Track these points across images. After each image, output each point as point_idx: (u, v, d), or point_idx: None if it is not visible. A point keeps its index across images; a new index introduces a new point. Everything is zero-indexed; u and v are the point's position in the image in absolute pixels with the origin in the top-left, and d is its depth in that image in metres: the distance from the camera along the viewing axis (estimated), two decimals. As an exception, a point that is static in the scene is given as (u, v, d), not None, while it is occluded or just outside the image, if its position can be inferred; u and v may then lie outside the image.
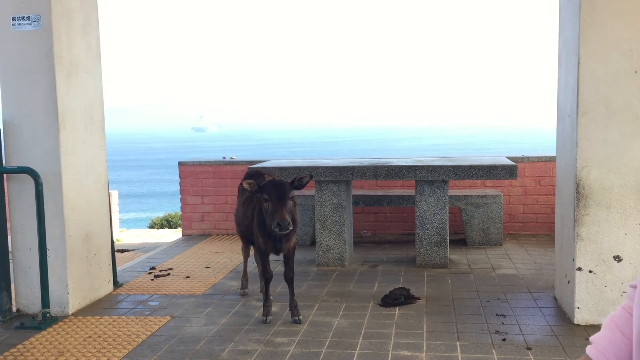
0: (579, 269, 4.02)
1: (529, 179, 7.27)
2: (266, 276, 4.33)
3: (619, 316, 1.08)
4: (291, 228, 3.83)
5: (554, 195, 7.13)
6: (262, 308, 4.37)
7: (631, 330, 1.05)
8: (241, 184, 4.00)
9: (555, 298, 4.64)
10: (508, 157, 6.52)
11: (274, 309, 4.49)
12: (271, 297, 4.43)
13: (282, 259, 4.43)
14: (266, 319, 4.24)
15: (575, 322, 4.05)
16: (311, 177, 4.07)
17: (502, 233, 6.68)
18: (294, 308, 4.24)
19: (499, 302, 4.61)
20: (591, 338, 1.14)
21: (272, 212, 3.85)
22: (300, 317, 4.22)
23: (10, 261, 4.54)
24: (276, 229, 3.79)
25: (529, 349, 3.66)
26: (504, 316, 4.27)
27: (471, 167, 5.61)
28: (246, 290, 4.95)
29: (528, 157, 7.27)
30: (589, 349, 1.12)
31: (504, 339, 3.82)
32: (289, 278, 4.31)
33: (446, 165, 5.64)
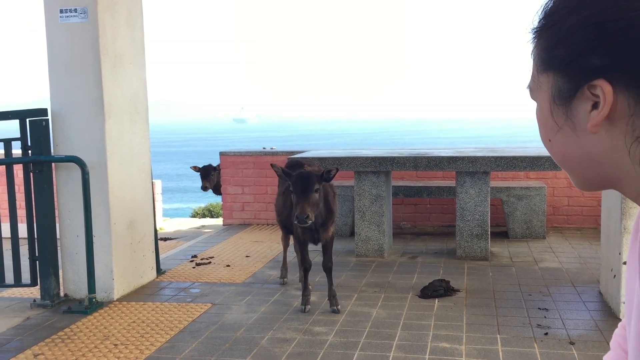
0: (625, 262, 3.91)
1: (574, 170, 7.08)
2: (305, 266, 4.35)
3: (619, 334, 1.06)
4: (310, 222, 3.82)
5: (601, 187, 6.94)
6: (300, 297, 4.40)
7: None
8: (272, 165, 4.07)
9: (600, 292, 4.52)
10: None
11: (312, 298, 4.52)
12: (310, 287, 4.43)
13: (321, 249, 4.44)
14: (305, 307, 4.26)
15: (621, 317, 3.93)
16: (337, 170, 4.07)
17: (545, 226, 6.55)
18: (332, 298, 4.26)
19: (541, 295, 4.53)
20: (604, 358, 1.12)
21: (295, 204, 3.89)
22: (339, 307, 4.22)
23: (59, 247, 4.69)
24: (295, 222, 3.85)
25: (572, 343, 3.58)
26: (547, 310, 4.19)
27: (514, 158, 5.51)
28: (285, 279, 4.99)
29: (573, 149, 7.08)
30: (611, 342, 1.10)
31: (546, 333, 3.75)
32: (327, 268, 4.33)
33: (488, 156, 5.55)
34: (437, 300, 4.45)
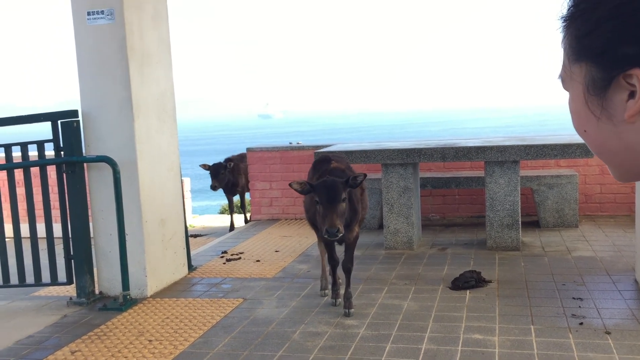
0: (662, 250, 3.82)
1: (607, 157, 6.95)
2: (332, 263, 4.26)
3: None
4: (341, 235, 3.65)
5: (634, 174, 6.79)
6: (330, 291, 4.41)
7: None
8: (291, 184, 3.85)
9: (636, 281, 4.44)
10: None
11: (341, 290, 4.52)
12: (339, 280, 4.38)
13: (344, 247, 4.34)
14: (335, 301, 4.22)
15: (659, 306, 3.86)
16: (365, 176, 3.90)
17: (577, 214, 6.44)
18: (347, 300, 4.09)
19: (575, 285, 4.46)
20: None
21: (322, 215, 3.70)
22: (352, 310, 4.05)
23: (93, 246, 4.78)
24: (325, 235, 3.65)
25: (608, 333, 3.52)
26: (581, 299, 4.13)
27: (544, 146, 5.42)
28: (326, 291, 4.52)
29: (605, 135, 6.94)
30: None
31: (581, 323, 3.70)
32: (346, 268, 4.20)
33: (517, 145, 5.47)
34: (468, 291, 4.42)
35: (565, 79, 0.84)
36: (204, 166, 7.68)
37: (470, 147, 5.59)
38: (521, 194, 6.03)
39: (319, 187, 3.74)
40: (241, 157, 8.09)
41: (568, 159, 6.91)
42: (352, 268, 4.26)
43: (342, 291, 4.40)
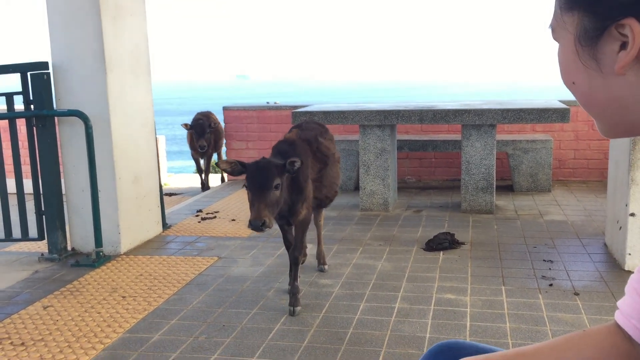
0: (632, 214, 3.90)
1: (582, 123, 7.03)
2: (286, 243, 3.76)
3: (636, 279, 1.04)
4: (267, 229, 3.02)
5: (608, 140, 6.89)
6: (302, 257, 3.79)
7: None
8: (217, 164, 3.42)
9: (605, 244, 4.53)
10: (560, 101, 6.30)
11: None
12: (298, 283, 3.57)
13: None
14: (293, 310, 3.43)
15: (626, 269, 3.95)
16: (302, 162, 3.25)
17: (551, 179, 6.53)
18: (292, 296, 3.50)
19: (546, 248, 4.54)
20: (618, 303, 1.11)
21: (250, 203, 3.12)
22: (298, 308, 3.45)
23: (64, 202, 4.70)
24: (249, 227, 3.05)
25: (576, 294, 3.61)
26: (551, 262, 4.21)
27: (521, 110, 5.44)
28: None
29: (581, 101, 7.00)
30: (616, 315, 1.10)
31: (550, 284, 3.78)
32: (292, 257, 3.59)
33: (494, 109, 5.48)
34: (441, 253, 4.47)
35: (556, 28, 0.81)
36: (186, 126, 7.31)
37: (448, 110, 5.59)
38: (496, 158, 6.07)
39: (249, 168, 3.17)
40: (206, 117, 7.58)
41: (544, 124, 6.98)
42: (301, 258, 3.65)
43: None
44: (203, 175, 7.64)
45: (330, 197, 3.94)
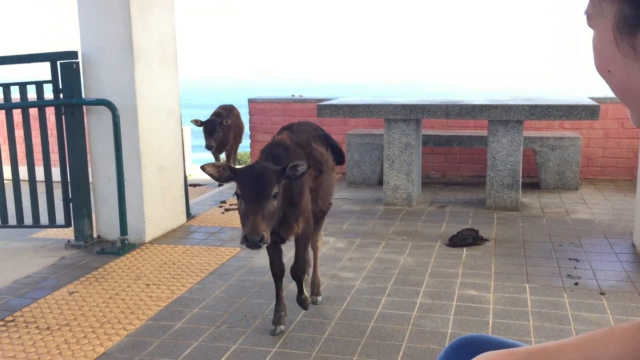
0: (662, 214, 3.82)
1: (612, 121, 6.89)
2: (273, 270, 3.20)
3: None
4: (265, 244, 2.58)
5: (638, 138, 6.75)
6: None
7: None
8: (203, 168, 2.76)
9: (633, 244, 4.45)
10: (590, 98, 6.19)
11: (340, 244, 4.54)
12: (283, 299, 3.23)
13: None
14: (275, 328, 3.11)
15: (654, 270, 3.88)
16: (309, 167, 2.80)
17: (578, 177, 6.42)
18: (301, 305, 3.27)
19: (572, 246, 4.47)
20: None
21: (243, 215, 2.65)
22: (319, 298, 3.40)
23: (91, 190, 4.76)
24: (243, 244, 2.59)
25: (602, 294, 3.55)
26: (577, 260, 4.14)
27: (549, 106, 5.36)
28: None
29: (612, 98, 6.87)
30: None
31: (576, 283, 3.72)
32: (295, 277, 3.22)
33: (522, 105, 5.41)
34: (465, 249, 4.43)
35: (592, 15, 0.79)
36: (196, 122, 6.72)
37: (475, 105, 5.52)
38: (523, 155, 5.99)
39: (242, 174, 2.70)
40: (227, 111, 7.20)
41: (572, 121, 6.86)
42: (303, 276, 3.23)
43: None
44: None
45: (324, 211, 3.46)
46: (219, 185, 7.30)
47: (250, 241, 2.54)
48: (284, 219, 2.95)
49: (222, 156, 7.50)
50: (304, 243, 3.19)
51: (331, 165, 3.49)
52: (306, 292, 3.30)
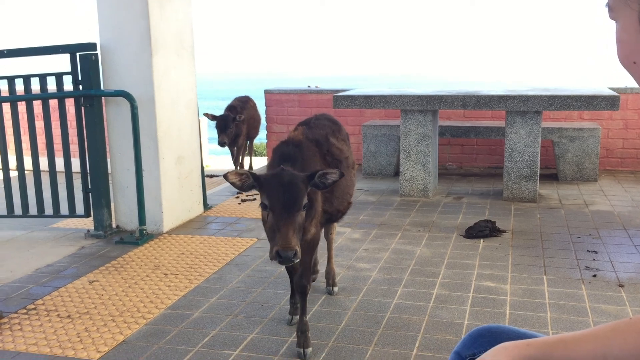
0: (683, 206, 3.77)
1: (632, 111, 6.80)
2: (291, 278, 3.09)
3: None
4: (298, 260, 2.39)
5: (659, 129, 6.66)
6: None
7: None
8: (225, 176, 2.58)
9: (653, 237, 4.40)
10: (609, 88, 6.11)
11: (356, 235, 4.55)
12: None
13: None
14: (292, 319, 3.12)
15: (674, 262, 3.84)
16: (342, 175, 2.59)
17: (597, 169, 6.36)
18: (301, 334, 2.86)
19: (590, 238, 4.44)
20: None
21: (271, 228, 2.45)
22: (309, 350, 2.81)
23: (110, 181, 4.82)
24: (274, 260, 2.38)
25: (621, 286, 3.52)
26: (596, 252, 4.11)
27: (568, 97, 5.30)
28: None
29: (632, 88, 6.77)
30: None
31: (594, 275, 3.69)
32: (300, 286, 2.92)
33: (541, 95, 5.36)
34: (482, 240, 4.42)
35: (615, 6, 0.78)
36: (209, 115, 6.50)
37: (493, 96, 5.48)
38: (541, 146, 5.94)
39: (269, 183, 2.50)
40: (243, 103, 7.02)
41: (591, 112, 6.79)
42: (310, 287, 2.97)
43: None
44: (239, 164, 7.02)
45: (342, 211, 3.21)
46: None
47: (284, 257, 2.35)
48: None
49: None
50: (311, 250, 2.92)
51: (351, 162, 3.31)
52: (306, 316, 2.96)
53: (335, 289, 3.52)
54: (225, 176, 2.56)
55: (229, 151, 7.18)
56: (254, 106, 7.36)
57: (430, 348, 2.82)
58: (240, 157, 7.16)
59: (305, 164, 2.78)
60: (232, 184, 2.57)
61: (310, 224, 2.79)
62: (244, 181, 2.56)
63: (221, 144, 6.51)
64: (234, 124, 6.56)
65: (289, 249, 2.35)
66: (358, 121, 7.51)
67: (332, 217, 3.15)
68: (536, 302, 3.31)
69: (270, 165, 2.94)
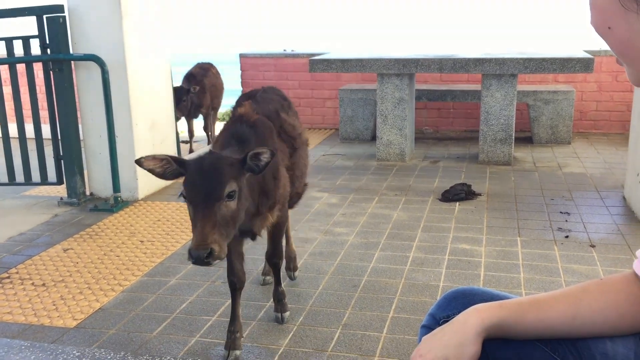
0: (654, 168, 3.84)
1: (606, 74, 6.86)
2: (231, 279, 2.59)
3: None
4: (217, 260, 2.00)
5: (632, 91, 6.73)
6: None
7: None
8: (139, 162, 2.13)
9: (624, 197, 4.49)
10: (584, 51, 6.13)
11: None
12: (239, 318, 2.61)
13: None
14: (228, 354, 2.49)
15: (644, 222, 3.92)
16: (273, 155, 2.15)
17: (571, 131, 6.42)
18: (278, 302, 2.81)
19: (563, 200, 4.51)
20: (637, 252, 1.08)
21: (192, 221, 2.09)
22: (286, 314, 2.78)
23: (82, 147, 4.73)
24: (188, 259, 2.01)
25: (592, 246, 3.59)
26: (568, 214, 4.18)
27: (543, 59, 5.31)
28: (267, 278, 3.25)
29: (606, 51, 6.81)
30: (635, 265, 1.08)
31: (566, 236, 3.76)
32: (271, 262, 2.77)
33: (516, 58, 5.36)
34: (457, 203, 4.46)
35: None
36: None
37: (469, 59, 5.47)
38: (516, 109, 5.97)
39: (190, 168, 2.13)
40: (204, 70, 6.63)
41: (566, 75, 6.82)
42: (280, 262, 2.77)
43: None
44: (212, 134, 6.77)
45: (300, 193, 2.97)
46: (209, 144, 6.95)
47: (194, 258, 1.97)
48: (256, 211, 2.41)
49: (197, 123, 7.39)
50: (279, 231, 2.69)
51: (305, 139, 2.97)
52: (281, 285, 2.85)
53: (296, 273, 3.20)
54: (139, 162, 2.12)
55: (201, 117, 7.04)
56: (216, 73, 6.90)
57: (407, 310, 2.86)
58: (211, 127, 6.87)
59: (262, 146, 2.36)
60: (150, 171, 2.14)
61: (274, 209, 2.52)
62: (166, 167, 2.15)
63: (175, 118, 5.62)
64: (189, 96, 6.24)
65: (202, 247, 1.97)
66: (335, 85, 7.46)
67: (290, 200, 2.83)
68: (510, 264, 3.37)
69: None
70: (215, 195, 2.05)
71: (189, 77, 6.51)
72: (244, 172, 2.17)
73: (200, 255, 1.96)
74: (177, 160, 2.15)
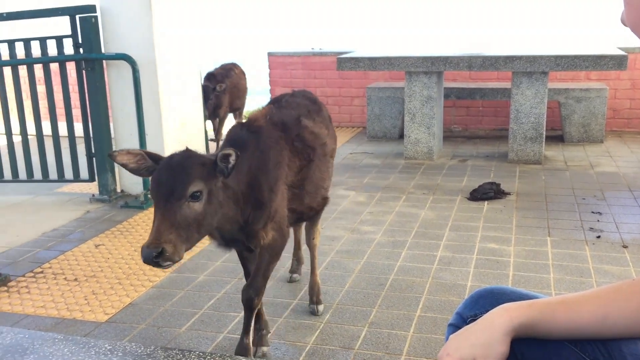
0: (690, 167, 3.74)
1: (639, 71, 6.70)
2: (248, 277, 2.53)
3: None
4: (169, 263, 1.90)
5: (667, 89, 6.57)
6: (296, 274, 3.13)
7: None
8: (112, 155, 2.05)
9: (658, 198, 4.39)
10: (618, 48, 6.00)
11: (361, 198, 4.54)
12: (264, 314, 2.61)
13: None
14: (256, 351, 2.50)
15: (679, 223, 3.83)
16: (238, 155, 2.01)
17: (604, 130, 6.30)
18: (259, 339, 2.54)
19: (595, 199, 4.43)
20: None
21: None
22: (266, 348, 2.53)
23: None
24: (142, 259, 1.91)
25: (625, 247, 3.52)
26: (600, 214, 4.11)
27: (575, 57, 5.22)
28: (295, 275, 3.26)
29: (640, 48, 6.66)
30: None
31: (598, 236, 3.69)
32: (245, 298, 2.37)
33: (547, 55, 5.27)
34: (486, 202, 4.41)
35: None
36: None
37: (499, 57, 5.40)
38: (547, 107, 5.88)
39: (160, 165, 2.04)
40: (226, 71, 6.45)
41: (599, 72, 6.69)
42: (257, 301, 2.36)
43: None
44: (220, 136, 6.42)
45: (315, 208, 2.69)
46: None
47: (145, 256, 1.87)
48: (245, 223, 2.26)
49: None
50: (269, 256, 2.38)
51: (329, 150, 2.73)
52: (248, 337, 2.42)
53: (320, 307, 2.86)
54: (112, 156, 2.04)
55: (230, 117, 7.03)
56: (239, 74, 6.67)
57: (434, 309, 2.85)
58: (221, 129, 6.59)
59: (262, 155, 2.31)
60: (124, 165, 2.05)
61: (267, 227, 2.31)
62: (140, 163, 2.06)
63: (204, 117, 5.58)
64: (214, 95, 6.09)
65: (153, 245, 1.86)
66: (362, 83, 7.44)
67: (303, 216, 2.66)
68: (539, 264, 3.32)
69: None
70: (177, 194, 1.94)
71: (210, 77, 6.34)
72: (217, 175, 2.06)
73: (149, 254, 1.86)
74: (152, 156, 2.06)
